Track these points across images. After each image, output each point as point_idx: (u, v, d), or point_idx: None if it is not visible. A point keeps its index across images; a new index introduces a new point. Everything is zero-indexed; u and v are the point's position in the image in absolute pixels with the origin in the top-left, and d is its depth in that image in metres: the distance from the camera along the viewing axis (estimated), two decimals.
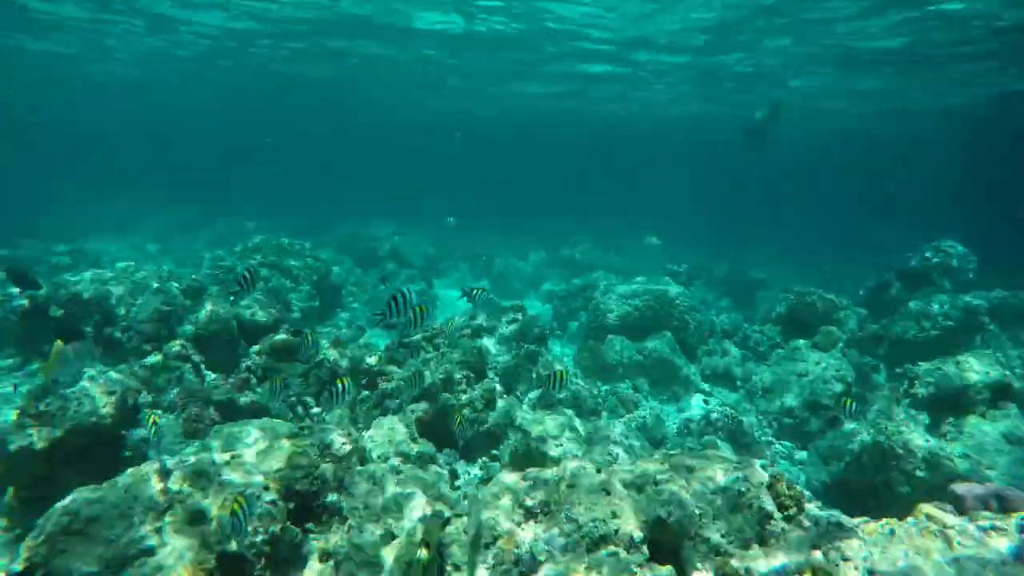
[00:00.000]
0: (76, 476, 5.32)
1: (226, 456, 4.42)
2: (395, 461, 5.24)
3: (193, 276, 11.97)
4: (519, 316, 10.34)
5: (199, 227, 29.24)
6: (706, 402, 10.31)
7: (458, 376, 7.22)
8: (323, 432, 4.82)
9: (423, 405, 6.78)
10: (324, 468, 4.48)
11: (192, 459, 4.31)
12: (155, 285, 8.83)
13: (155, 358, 7.66)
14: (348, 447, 4.75)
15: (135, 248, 23.20)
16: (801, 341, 10.54)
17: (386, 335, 13.53)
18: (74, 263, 18.12)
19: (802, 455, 8.38)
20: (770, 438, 8.75)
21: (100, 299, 8.65)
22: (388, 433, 5.93)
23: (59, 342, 7.52)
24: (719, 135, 33.11)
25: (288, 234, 24.86)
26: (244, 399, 7.28)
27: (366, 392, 7.04)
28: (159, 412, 7.40)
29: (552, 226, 32.28)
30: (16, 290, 10.36)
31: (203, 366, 8.14)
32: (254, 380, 7.52)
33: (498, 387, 7.66)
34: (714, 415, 8.37)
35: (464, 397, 7.20)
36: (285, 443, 4.56)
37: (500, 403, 7.52)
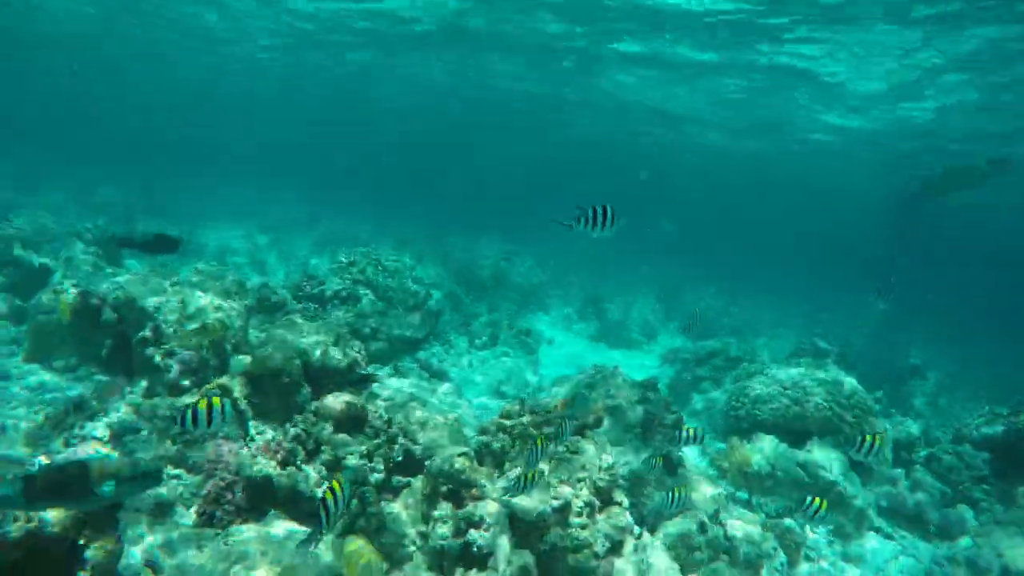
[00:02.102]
0: None
1: None
2: None
3: (278, 287, 10.36)
4: (651, 395, 7.86)
5: (314, 222, 28.61)
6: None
7: (578, 505, 4.85)
8: None
9: (523, 559, 4.45)
10: None
11: None
12: (216, 301, 7.05)
13: (189, 399, 5.81)
14: None
15: (245, 238, 22.52)
16: None
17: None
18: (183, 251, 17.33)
19: None
20: None
21: (155, 308, 6.97)
22: None
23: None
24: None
25: (395, 241, 23.65)
26: (283, 480, 5.25)
27: (444, 511, 4.76)
28: (182, 473, 5.53)
29: (667, 267, 29.37)
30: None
31: (250, 414, 6.24)
32: (302, 454, 5.48)
33: (628, 518, 5.23)
34: None
35: (582, 535, 4.82)
36: None
37: (628, 549, 5.08)
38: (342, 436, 5.68)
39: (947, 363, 19.40)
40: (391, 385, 8.28)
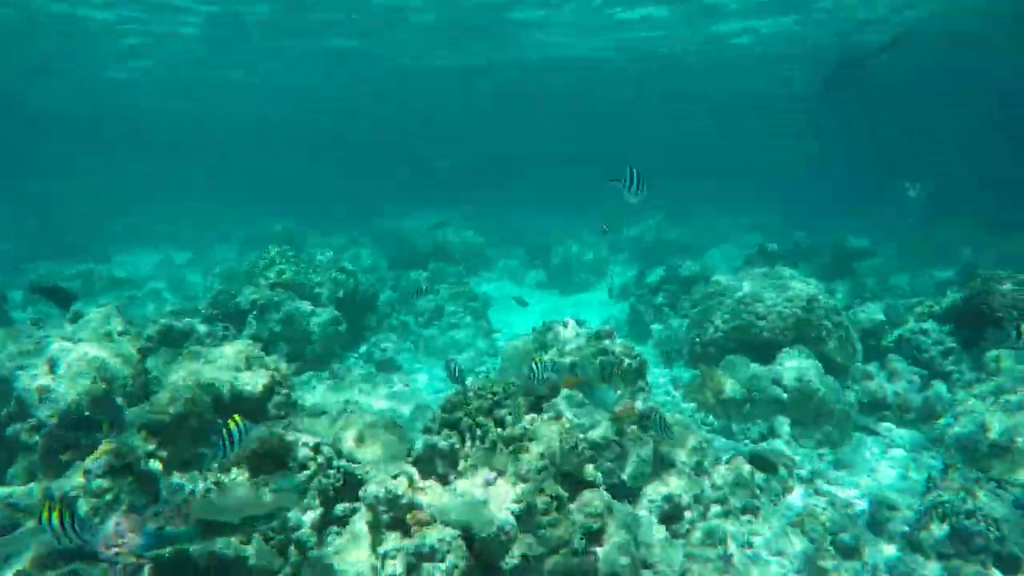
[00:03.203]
0: None
1: None
2: None
3: (186, 311, 9.23)
4: (608, 343, 7.16)
5: (235, 228, 26.83)
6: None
7: (542, 502, 4.12)
8: None
9: None
10: None
11: None
12: (94, 351, 5.93)
13: (72, 479, 4.80)
14: None
15: (162, 262, 20.83)
16: None
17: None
18: (87, 288, 15.71)
19: None
20: None
21: (16, 375, 5.84)
22: None
23: None
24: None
25: (320, 231, 22.30)
26: (197, 550, 4.36)
27: (391, 545, 3.97)
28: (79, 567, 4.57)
29: (605, 201, 28.71)
30: None
31: (160, 471, 5.27)
32: None
33: (604, 498, 4.54)
34: (966, 521, 4.94)
35: (555, 534, 4.10)
36: None
37: (612, 529, 4.40)
38: (267, 476, 4.78)
39: (887, 243, 19.48)
40: (322, 397, 7.38)
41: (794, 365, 7.85)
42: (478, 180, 39.59)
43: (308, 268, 11.15)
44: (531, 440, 4.57)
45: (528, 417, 5.16)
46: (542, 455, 4.40)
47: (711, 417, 8.08)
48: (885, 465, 7.15)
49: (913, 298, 11.51)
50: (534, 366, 5.39)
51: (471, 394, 5.44)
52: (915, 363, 8.74)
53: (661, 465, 5.37)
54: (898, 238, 19.86)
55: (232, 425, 4.28)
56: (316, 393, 7.73)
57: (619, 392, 6.35)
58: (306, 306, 10.29)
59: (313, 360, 9.65)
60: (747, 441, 7.61)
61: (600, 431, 5.48)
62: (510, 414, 5.23)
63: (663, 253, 17.84)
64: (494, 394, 5.39)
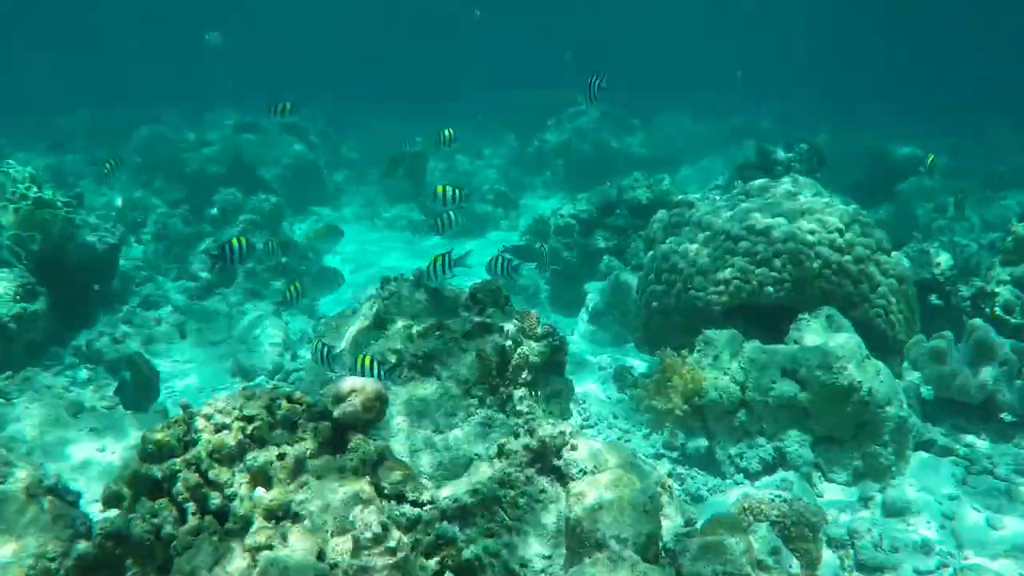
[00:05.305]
0: None
1: None
2: None
3: None
4: (494, 314, 5.95)
5: None
6: None
7: None
8: None
9: None
10: None
11: None
12: None
13: None
14: None
15: None
16: None
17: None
18: None
19: None
20: None
21: None
22: None
23: None
24: None
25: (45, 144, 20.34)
26: None
27: None
28: None
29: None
30: None
31: None
32: None
33: None
34: None
35: None
36: None
37: None
38: None
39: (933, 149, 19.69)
40: None
41: (818, 342, 6.94)
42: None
43: None
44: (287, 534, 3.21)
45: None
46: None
47: (681, 436, 7.15)
48: (969, 508, 6.40)
49: (990, 232, 11.34)
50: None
51: (201, 419, 4.12)
52: (1006, 332, 8.16)
53: (580, 544, 4.16)
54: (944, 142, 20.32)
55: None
56: None
57: (508, 403, 5.15)
58: None
59: None
60: (740, 476, 6.73)
61: (464, 485, 4.21)
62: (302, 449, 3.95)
63: (607, 171, 17.14)
64: (247, 419, 4.07)
